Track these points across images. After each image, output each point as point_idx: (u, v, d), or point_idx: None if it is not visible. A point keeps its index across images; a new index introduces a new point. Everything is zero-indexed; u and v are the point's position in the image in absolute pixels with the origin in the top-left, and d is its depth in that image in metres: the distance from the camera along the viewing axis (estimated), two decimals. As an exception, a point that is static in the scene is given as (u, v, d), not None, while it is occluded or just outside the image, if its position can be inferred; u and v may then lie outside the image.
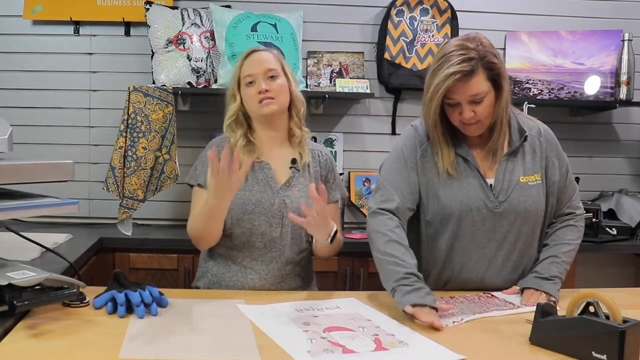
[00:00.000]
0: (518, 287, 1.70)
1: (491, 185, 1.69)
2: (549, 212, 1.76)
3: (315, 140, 2.96)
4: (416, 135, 1.75)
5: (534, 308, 1.34)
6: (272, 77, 1.77)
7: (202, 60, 2.75)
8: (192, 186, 1.83)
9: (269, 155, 1.81)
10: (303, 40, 2.89)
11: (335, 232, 1.71)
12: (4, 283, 1.27)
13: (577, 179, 2.76)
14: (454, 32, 2.94)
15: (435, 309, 1.45)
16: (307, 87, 2.89)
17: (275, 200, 1.76)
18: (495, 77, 1.59)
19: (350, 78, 2.93)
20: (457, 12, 2.95)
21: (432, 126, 1.66)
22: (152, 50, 2.75)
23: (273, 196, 1.76)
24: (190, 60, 2.73)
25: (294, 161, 1.82)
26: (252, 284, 1.76)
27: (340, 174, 2.96)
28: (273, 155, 1.82)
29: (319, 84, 2.94)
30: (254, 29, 2.76)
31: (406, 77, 2.94)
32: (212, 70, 2.78)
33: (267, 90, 1.74)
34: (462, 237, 1.70)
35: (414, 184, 1.71)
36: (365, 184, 2.99)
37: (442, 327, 1.40)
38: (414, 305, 1.44)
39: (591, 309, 1.26)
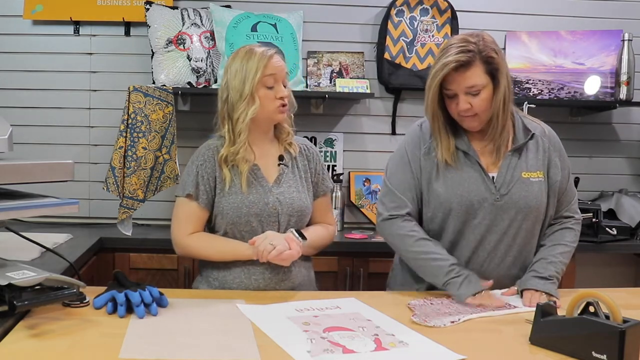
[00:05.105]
0: (516, 288, 1.70)
1: (493, 178, 1.71)
2: (550, 211, 1.76)
3: (315, 141, 2.97)
4: (420, 134, 1.78)
5: (534, 308, 1.34)
6: (283, 84, 1.79)
7: (202, 60, 2.75)
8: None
9: (258, 156, 1.81)
10: (303, 40, 2.89)
11: (299, 232, 1.75)
12: (4, 283, 1.27)
13: (577, 179, 2.77)
14: (454, 32, 2.94)
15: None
16: (307, 87, 2.89)
17: (269, 200, 1.76)
18: (493, 71, 1.63)
19: (350, 78, 2.93)
20: (457, 12, 2.94)
21: (431, 116, 1.70)
22: (152, 50, 2.75)
23: (266, 195, 1.77)
24: (190, 60, 2.73)
25: (281, 158, 1.83)
26: (256, 285, 1.76)
27: (340, 174, 2.96)
28: (260, 155, 1.82)
29: (319, 84, 2.94)
30: (254, 29, 2.76)
31: (406, 77, 2.94)
32: (212, 70, 2.78)
33: (287, 97, 1.78)
34: (464, 230, 1.72)
35: (417, 183, 1.75)
36: (366, 184, 2.99)
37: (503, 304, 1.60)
38: (474, 295, 1.59)
39: (591, 309, 1.26)
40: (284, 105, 1.78)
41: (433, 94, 1.65)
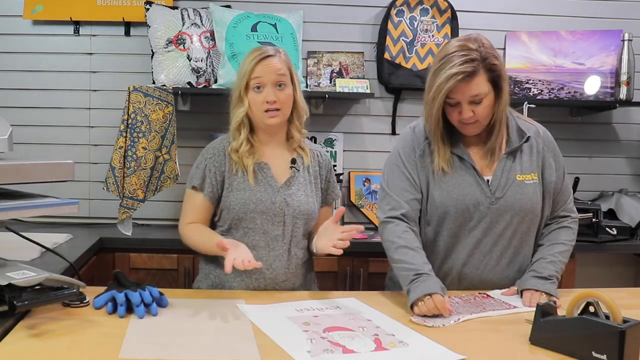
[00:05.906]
0: (516, 288, 1.70)
1: (488, 181, 1.71)
2: (546, 212, 1.77)
3: (315, 141, 2.97)
4: (413, 137, 1.78)
5: (534, 308, 1.34)
6: (280, 85, 1.75)
7: (202, 60, 2.75)
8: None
9: (269, 156, 1.82)
10: (303, 40, 2.89)
11: None
12: (4, 283, 1.27)
13: (577, 179, 2.77)
14: (454, 32, 2.94)
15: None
16: (307, 87, 2.89)
17: (276, 199, 1.76)
18: (495, 78, 1.62)
19: (350, 78, 2.93)
20: (457, 12, 2.95)
21: (435, 125, 1.68)
22: (152, 50, 2.75)
23: (274, 195, 1.77)
24: (190, 60, 2.73)
25: (293, 161, 1.82)
26: (256, 285, 1.76)
27: (340, 174, 2.96)
28: (272, 155, 1.82)
29: (319, 84, 2.94)
30: (254, 29, 2.76)
31: (406, 77, 2.94)
32: (212, 70, 2.78)
33: (274, 102, 1.73)
34: (460, 234, 1.72)
35: (416, 184, 1.74)
36: (365, 184, 2.99)
37: (448, 311, 1.48)
38: (416, 301, 1.50)
39: (591, 309, 1.27)
40: (273, 110, 1.74)
41: (438, 105, 1.62)
